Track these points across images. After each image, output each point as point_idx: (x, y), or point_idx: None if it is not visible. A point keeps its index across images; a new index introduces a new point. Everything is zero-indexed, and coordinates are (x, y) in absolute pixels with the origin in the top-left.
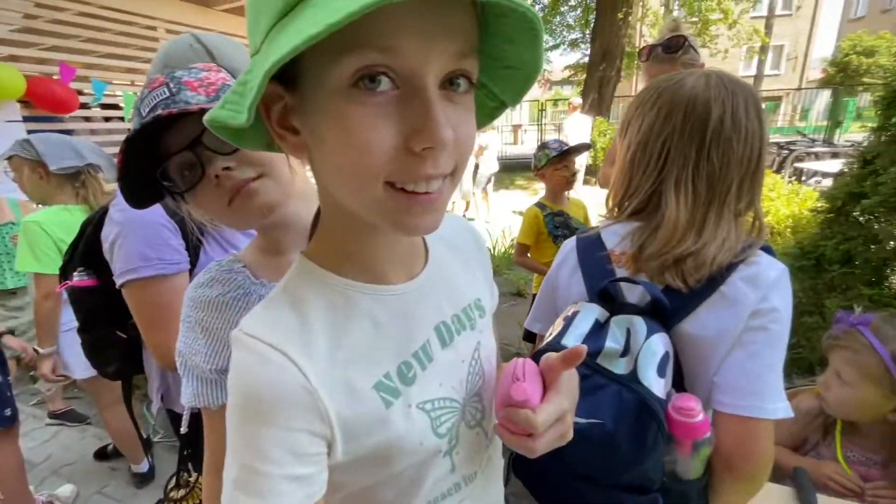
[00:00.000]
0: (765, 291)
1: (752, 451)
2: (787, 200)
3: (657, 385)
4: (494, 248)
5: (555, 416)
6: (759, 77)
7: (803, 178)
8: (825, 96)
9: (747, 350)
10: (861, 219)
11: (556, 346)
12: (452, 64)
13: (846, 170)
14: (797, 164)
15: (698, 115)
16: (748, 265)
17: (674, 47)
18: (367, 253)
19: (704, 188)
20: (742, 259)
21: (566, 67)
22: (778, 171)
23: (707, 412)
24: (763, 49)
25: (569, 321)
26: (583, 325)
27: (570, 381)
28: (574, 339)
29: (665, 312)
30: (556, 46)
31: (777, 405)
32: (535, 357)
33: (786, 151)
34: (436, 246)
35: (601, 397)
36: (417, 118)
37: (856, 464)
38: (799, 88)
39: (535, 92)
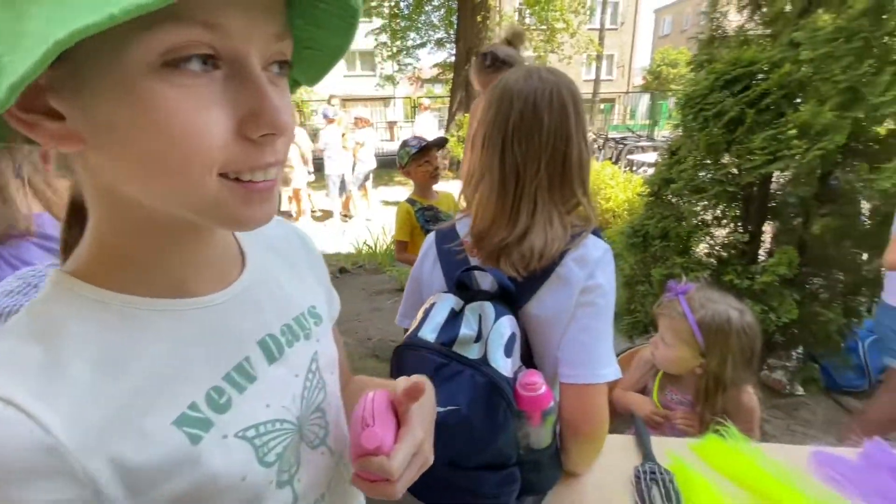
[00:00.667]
0: (591, 269)
1: (590, 413)
2: (623, 187)
3: (504, 365)
4: (376, 246)
5: (410, 453)
6: (597, 81)
7: (634, 169)
8: (646, 99)
9: (580, 324)
10: (672, 200)
11: (414, 338)
12: (273, 45)
13: (660, 160)
14: (629, 157)
15: (504, 108)
16: (577, 247)
17: (492, 62)
18: (161, 261)
19: (512, 180)
20: (574, 242)
21: (434, 66)
22: (616, 162)
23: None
24: (598, 57)
25: (426, 313)
26: (439, 316)
27: (421, 408)
28: (431, 330)
29: (511, 296)
30: (422, 45)
31: (607, 370)
32: (400, 352)
33: (621, 146)
34: (255, 250)
35: (458, 383)
36: (252, 102)
37: (675, 403)
38: (627, 92)
39: (408, 89)
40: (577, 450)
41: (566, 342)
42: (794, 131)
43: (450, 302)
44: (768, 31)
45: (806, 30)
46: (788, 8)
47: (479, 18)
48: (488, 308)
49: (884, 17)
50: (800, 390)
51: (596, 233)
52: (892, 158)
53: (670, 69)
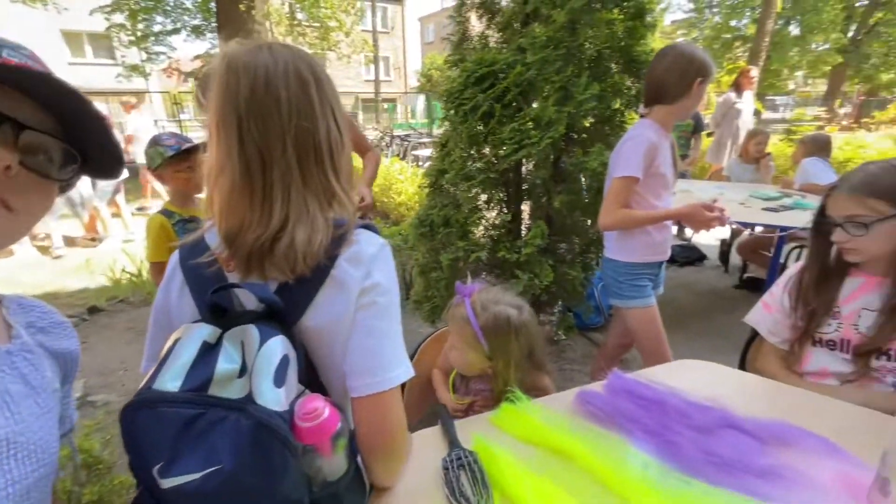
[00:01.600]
0: (367, 268)
1: (387, 423)
2: (412, 181)
3: (275, 397)
4: (141, 272)
5: None
6: (377, 81)
7: (420, 163)
8: (422, 99)
9: (363, 328)
10: (449, 189)
11: (146, 393)
12: None
13: (435, 153)
14: (414, 153)
15: (233, 84)
16: (350, 244)
17: None
18: None
19: (258, 166)
20: (343, 239)
21: (196, 57)
22: (403, 158)
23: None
24: (375, 58)
25: (167, 355)
26: (185, 355)
27: None
28: (173, 377)
29: (281, 312)
30: (176, 31)
31: (398, 370)
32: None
33: (406, 143)
34: None
35: (219, 435)
36: None
37: (480, 390)
38: (405, 92)
39: (168, 82)
40: (381, 465)
41: (351, 351)
42: (531, 123)
43: (201, 334)
44: (503, 38)
45: (527, 38)
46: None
47: (241, 7)
48: (252, 332)
49: (576, 30)
50: (563, 336)
51: (370, 228)
52: (595, 144)
53: (438, 72)
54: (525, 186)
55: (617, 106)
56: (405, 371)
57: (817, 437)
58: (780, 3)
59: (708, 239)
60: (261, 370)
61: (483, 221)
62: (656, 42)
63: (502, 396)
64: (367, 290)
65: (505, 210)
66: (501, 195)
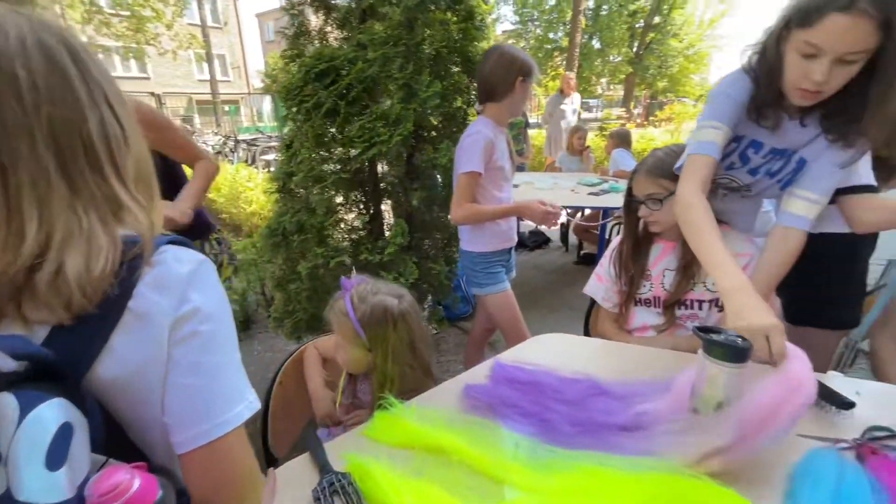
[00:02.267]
0: (179, 293)
1: (226, 475)
2: (263, 188)
3: (47, 485)
4: None
5: None
6: (213, 81)
7: (270, 169)
8: (269, 101)
9: (184, 367)
10: (300, 193)
11: None
12: None
13: (280, 155)
14: (264, 157)
15: None
16: (151, 266)
17: None
18: None
19: None
20: (140, 261)
21: None
22: (252, 163)
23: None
24: (209, 56)
25: None
26: None
27: None
28: None
29: (55, 366)
30: None
31: (236, 409)
32: None
33: (254, 147)
34: None
35: None
36: None
37: (362, 394)
38: (249, 94)
39: None
40: None
41: (171, 398)
42: (378, 121)
43: None
44: (343, 34)
45: (366, 34)
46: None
47: None
48: (7, 402)
49: (413, 28)
50: (436, 329)
51: (182, 243)
52: (444, 141)
53: (283, 72)
54: (383, 185)
55: (459, 104)
56: (248, 406)
57: (659, 383)
58: (583, 20)
59: None
60: (22, 453)
61: (342, 224)
62: (490, 45)
63: (382, 390)
64: (182, 320)
65: (364, 211)
66: (358, 196)
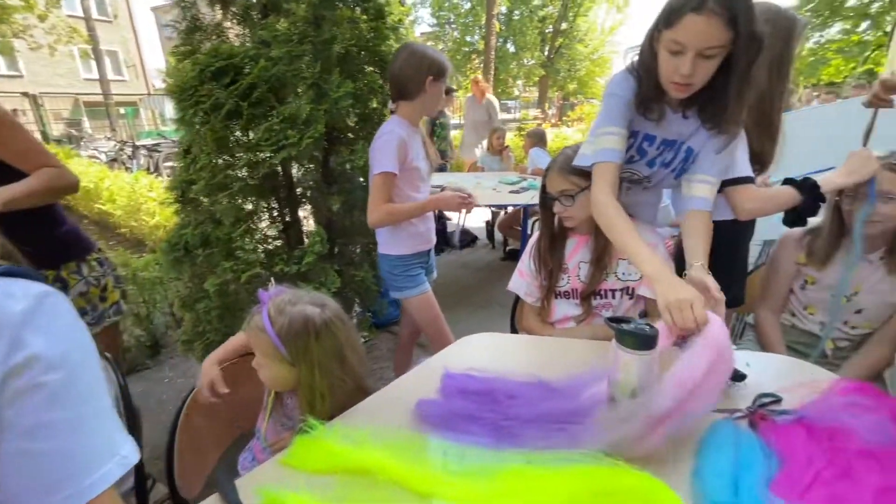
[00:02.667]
0: (12, 336)
1: None
2: (162, 199)
3: None
4: None
5: None
6: (104, 81)
7: None
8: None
9: (22, 431)
10: (203, 202)
11: None
12: None
13: (178, 161)
14: (168, 164)
15: None
16: None
17: None
18: None
19: None
20: None
21: None
22: (154, 171)
23: None
24: (96, 52)
25: None
26: None
27: None
28: None
29: None
30: None
31: (105, 467)
32: None
33: (155, 153)
34: None
35: None
36: None
37: (290, 410)
38: (149, 94)
39: None
40: None
41: (5, 472)
42: (286, 123)
43: None
44: (244, 30)
45: (268, 30)
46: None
47: None
48: None
49: (320, 25)
50: (366, 337)
51: (17, 273)
52: (360, 143)
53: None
54: (300, 191)
55: (375, 105)
56: (119, 462)
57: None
58: (497, 25)
59: (477, 222)
60: None
61: (253, 235)
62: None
63: (312, 409)
64: (16, 372)
65: (278, 219)
66: (271, 203)
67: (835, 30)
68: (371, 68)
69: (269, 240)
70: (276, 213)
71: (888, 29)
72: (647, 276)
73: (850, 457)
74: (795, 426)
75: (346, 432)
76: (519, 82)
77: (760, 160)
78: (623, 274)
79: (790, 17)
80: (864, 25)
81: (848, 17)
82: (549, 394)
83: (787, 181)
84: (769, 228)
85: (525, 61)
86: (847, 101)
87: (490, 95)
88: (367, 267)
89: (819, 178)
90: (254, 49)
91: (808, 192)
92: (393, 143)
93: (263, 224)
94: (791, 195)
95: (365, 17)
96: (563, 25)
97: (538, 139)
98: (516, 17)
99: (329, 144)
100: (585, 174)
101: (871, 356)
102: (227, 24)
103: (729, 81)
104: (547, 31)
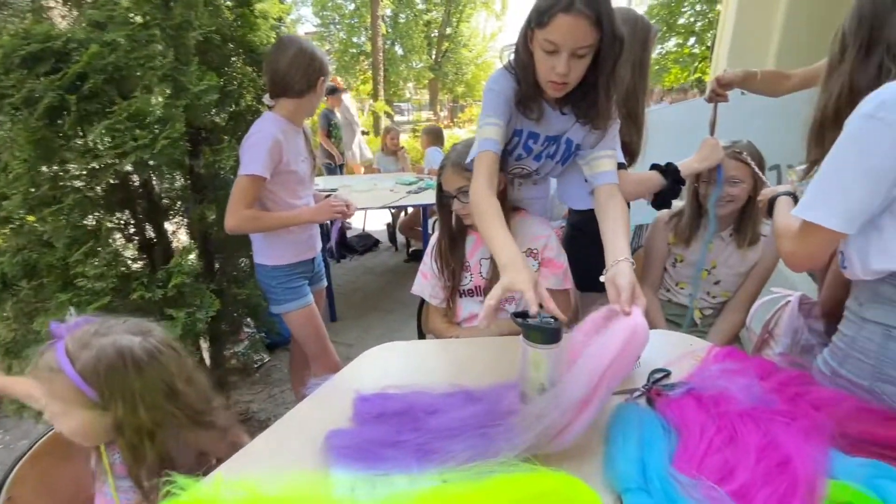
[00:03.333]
0: None
1: None
2: None
3: None
4: None
5: None
6: None
7: None
8: None
9: None
10: (17, 222)
11: None
12: None
13: None
14: None
15: None
16: None
17: None
18: None
19: None
20: None
21: None
22: None
23: None
24: None
25: None
26: None
27: None
28: None
29: None
30: None
31: None
32: None
33: None
34: None
35: None
36: None
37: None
38: None
39: None
40: None
41: None
42: (133, 121)
43: None
44: (69, 8)
45: (102, 10)
46: None
47: None
48: None
49: (170, 7)
50: (266, 357)
51: None
52: (228, 143)
53: None
54: (166, 202)
55: (250, 102)
56: None
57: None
58: (384, 27)
59: (378, 225)
60: None
61: (100, 257)
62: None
63: (137, 455)
64: None
65: (136, 236)
66: (124, 218)
67: (671, 43)
68: (241, 60)
69: (128, 261)
70: (132, 230)
71: (710, 44)
72: (500, 264)
73: (733, 420)
74: (686, 397)
75: (231, 483)
76: (409, 85)
77: (630, 151)
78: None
79: (647, 22)
80: (692, 41)
81: (680, 32)
82: (472, 401)
83: (653, 167)
84: (640, 215)
85: (414, 64)
86: (694, 100)
87: (345, 97)
88: (253, 282)
89: (678, 164)
90: (84, 32)
91: (671, 176)
92: (265, 143)
93: (117, 243)
94: (657, 179)
95: (228, 2)
96: (448, 30)
97: (435, 137)
98: (402, 21)
99: (194, 146)
100: None
101: (728, 322)
102: (47, 2)
103: (598, 79)
104: (433, 35)
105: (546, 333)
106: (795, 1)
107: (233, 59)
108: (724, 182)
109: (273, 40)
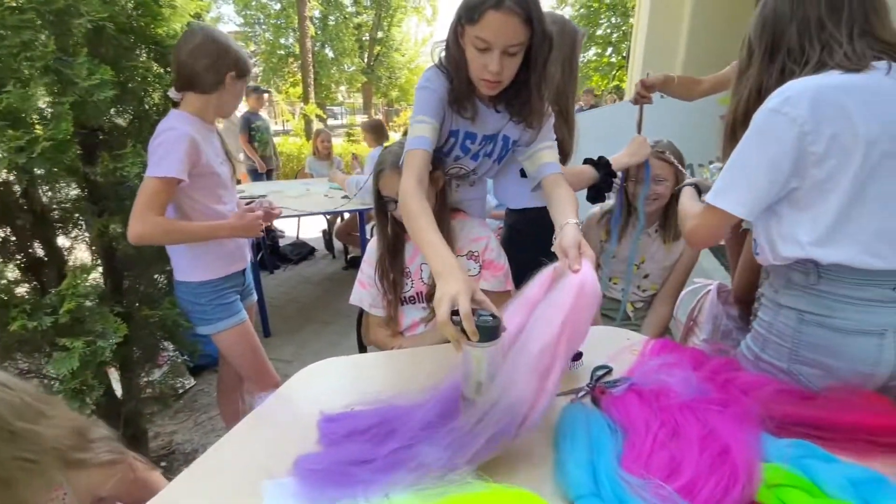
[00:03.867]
0: None
1: None
2: None
3: None
4: None
5: None
6: None
7: None
8: None
9: None
10: None
11: None
12: None
13: None
14: None
15: None
16: None
17: None
18: None
19: None
20: None
21: None
22: None
23: None
24: None
25: None
26: None
27: None
28: None
29: None
30: None
31: None
32: None
33: None
34: None
35: None
36: None
37: None
38: None
39: None
40: None
41: None
42: (4, 120)
43: None
44: None
45: None
46: None
47: None
48: None
49: None
50: (191, 380)
51: None
52: (126, 145)
53: None
54: (57, 214)
55: (157, 101)
56: None
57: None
58: (312, 29)
59: (313, 232)
60: None
61: None
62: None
63: None
64: None
65: (19, 256)
66: (5, 233)
67: (591, 53)
68: (145, 54)
69: (9, 285)
70: (13, 248)
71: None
72: (434, 272)
73: (674, 413)
74: (629, 393)
75: None
76: (342, 88)
77: (563, 150)
78: (465, 270)
79: (574, 25)
80: (609, 51)
81: (599, 43)
82: (451, 405)
83: (586, 161)
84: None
85: (346, 67)
86: (623, 102)
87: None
88: (169, 301)
89: (609, 158)
90: None
91: (603, 169)
92: (181, 142)
93: None
94: (591, 172)
95: None
96: (380, 34)
97: (377, 132)
98: (332, 23)
99: (90, 151)
100: None
101: (657, 314)
102: None
103: (530, 77)
104: (364, 38)
105: (485, 331)
106: (697, 14)
107: (135, 52)
108: (651, 181)
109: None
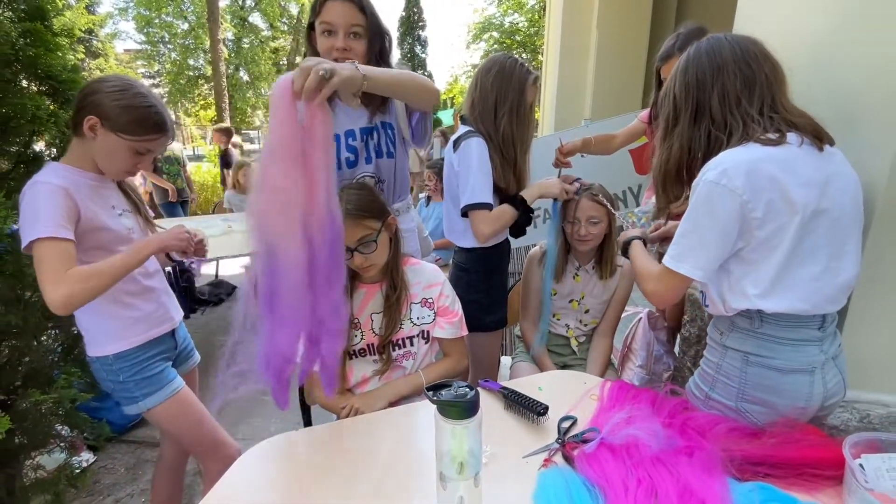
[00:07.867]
0: None
1: None
2: None
3: None
4: None
5: None
6: None
7: None
8: None
9: None
10: None
11: None
12: None
13: None
14: None
15: None
16: None
17: None
18: None
19: None
20: None
21: None
22: None
23: None
24: None
25: None
26: None
27: None
28: None
29: None
30: None
31: None
32: None
33: None
34: None
35: None
36: None
37: None
38: None
39: None
40: None
41: None
42: None
43: None
44: None
45: None
46: None
47: None
48: None
49: None
50: (91, 456)
51: None
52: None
53: None
54: None
55: (50, 140)
56: None
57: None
58: (226, 51)
59: (234, 269)
60: None
61: None
62: (112, 68)
63: None
64: None
65: None
66: None
67: None
68: (33, 88)
69: None
70: None
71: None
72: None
73: (647, 469)
74: (601, 449)
75: None
76: (259, 112)
77: (506, 193)
78: (418, 318)
79: (526, 69)
80: None
81: None
82: None
83: (503, 200)
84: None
85: (263, 91)
86: (536, 139)
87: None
88: (66, 376)
89: (521, 193)
90: None
91: (520, 206)
92: (53, 197)
93: None
94: (511, 211)
95: (10, 14)
96: (297, 59)
97: (227, 134)
98: (246, 46)
99: None
100: (378, 210)
101: (599, 349)
102: None
103: (369, 63)
104: (282, 63)
105: (463, 408)
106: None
107: (19, 84)
108: (585, 222)
109: (78, 59)
